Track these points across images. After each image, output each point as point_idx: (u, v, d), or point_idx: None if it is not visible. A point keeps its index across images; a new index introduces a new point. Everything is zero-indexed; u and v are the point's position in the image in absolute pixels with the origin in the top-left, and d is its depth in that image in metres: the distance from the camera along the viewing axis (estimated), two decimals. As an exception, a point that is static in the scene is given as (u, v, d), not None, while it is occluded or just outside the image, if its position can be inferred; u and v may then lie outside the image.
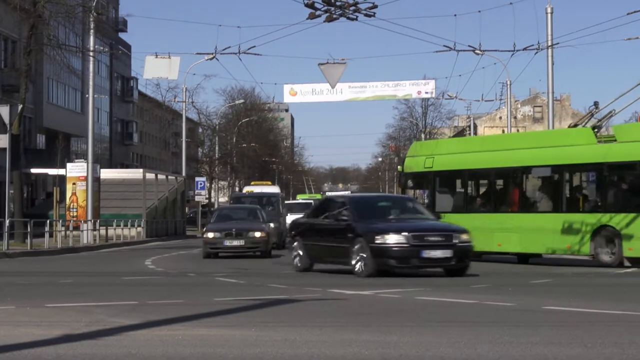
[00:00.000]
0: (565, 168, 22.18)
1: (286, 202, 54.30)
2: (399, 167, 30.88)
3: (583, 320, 9.81)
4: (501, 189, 24.43)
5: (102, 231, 36.72)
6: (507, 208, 23.68)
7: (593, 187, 21.95)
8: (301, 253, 18.75)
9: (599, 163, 21.24)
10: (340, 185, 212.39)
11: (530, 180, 23.49)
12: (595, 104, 23.89)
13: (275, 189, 49.68)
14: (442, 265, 17.12)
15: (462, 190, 25.51)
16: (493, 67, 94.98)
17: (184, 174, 57.63)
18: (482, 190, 25.20)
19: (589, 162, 21.60)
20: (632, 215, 20.21)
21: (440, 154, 25.79)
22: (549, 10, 32.75)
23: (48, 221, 30.51)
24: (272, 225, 29.14)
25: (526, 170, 23.22)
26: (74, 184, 36.72)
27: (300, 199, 74.15)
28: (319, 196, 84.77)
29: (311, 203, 56.00)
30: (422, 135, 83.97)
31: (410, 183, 26.62)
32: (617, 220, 20.40)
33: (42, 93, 57.74)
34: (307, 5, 19.38)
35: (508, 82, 47.30)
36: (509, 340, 8.02)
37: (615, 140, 21.33)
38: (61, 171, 39.79)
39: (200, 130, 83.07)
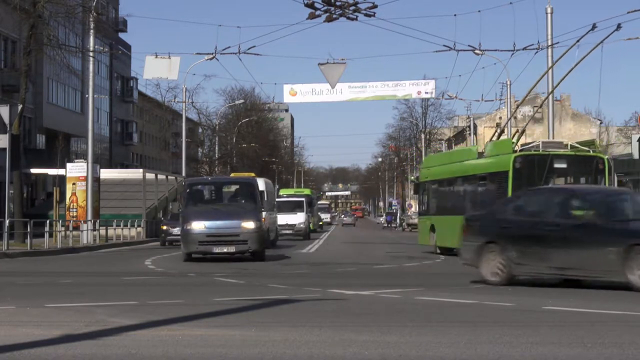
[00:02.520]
0: (462, 179, 27.21)
1: (277, 199, 48.47)
2: (411, 177, 37.82)
3: (583, 320, 9.81)
4: (447, 196, 29.16)
5: (102, 231, 36.70)
6: (446, 211, 28.10)
7: (472, 194, 26.35)
8: None
9: (472, 175, 26.11)
10: (340, 186, 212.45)
11: (453, 188, 28.29)
12: (498, 124, 28.52)
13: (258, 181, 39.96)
14: None
15: (435, 196, 30.18)
16: (493, 67, 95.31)
17: (184, 174, 57.54)
18: (441, 196, 29.80)
19: (469, 174, 26.39)
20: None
21: (431, 166, 31.01)
22: (549, 10, 32.70)
23: (48, 221, 30.47)
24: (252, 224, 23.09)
25: (451, 180, 28.19)
26: (73, 184, 36.71)
27: (285, 194, 61.02)
28: (308, 191, 71.49)
29: (302, 200, 50.34)
30: (422, 136, 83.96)
31: (421, 190, 31.48)
32: None
33: (42, 93, 57.72)
34: (307, 5, 19.38)
35: (508, 82, 47.27)
36: (509, 340, 8.02)
37: (484, 156, 25.82)
38: (61, 171, 39.78)
39: (200, 130, 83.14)
